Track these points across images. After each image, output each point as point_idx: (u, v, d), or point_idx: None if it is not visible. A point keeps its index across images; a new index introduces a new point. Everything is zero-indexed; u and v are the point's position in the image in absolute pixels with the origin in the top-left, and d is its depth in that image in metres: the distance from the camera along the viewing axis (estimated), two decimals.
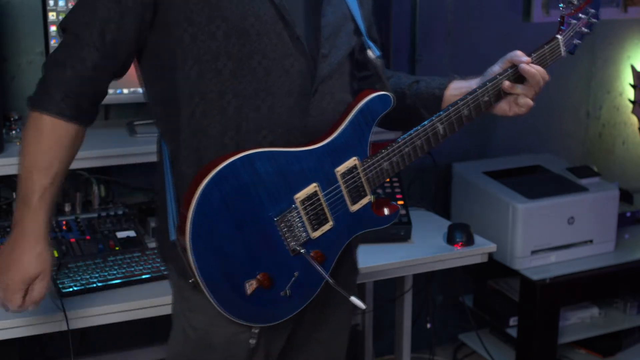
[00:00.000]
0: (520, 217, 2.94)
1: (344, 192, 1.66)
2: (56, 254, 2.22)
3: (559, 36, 1.78)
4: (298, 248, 1.63)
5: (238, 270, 1.60)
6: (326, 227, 1.65)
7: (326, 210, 1.64)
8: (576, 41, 1.80)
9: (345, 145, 1.65)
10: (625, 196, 3.48)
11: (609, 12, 3.47)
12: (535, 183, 3.13)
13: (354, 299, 1.64)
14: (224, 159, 1.54)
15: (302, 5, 1.63)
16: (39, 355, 2.73)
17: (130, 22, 1.55)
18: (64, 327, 1.95)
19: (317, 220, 1.64)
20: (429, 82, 1.83)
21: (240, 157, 1.55)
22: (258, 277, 1.61)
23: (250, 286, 1.61)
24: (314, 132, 1.63)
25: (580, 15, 1.80)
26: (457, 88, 1.78)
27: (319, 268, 1.64)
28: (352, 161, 1.65)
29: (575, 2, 1.80)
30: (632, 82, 3.25)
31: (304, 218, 1.62)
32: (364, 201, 1.68)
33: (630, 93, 3.40)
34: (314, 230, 1.64)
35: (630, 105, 3.31)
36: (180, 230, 1.56)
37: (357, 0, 1.72)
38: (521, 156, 3.40)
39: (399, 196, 2.54)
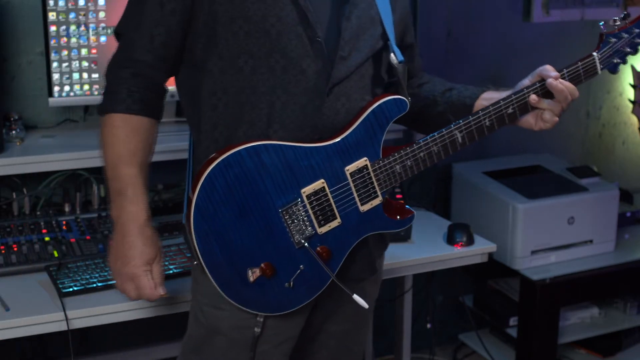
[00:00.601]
0: (520, 217, 2.94)
1: (353, 191, 1.68)
2: (56, 254, 2.22)
3: (594, 53, 1.77)
4: (303, 241, 1.66)
5: (241, 257, 1.66)
6: (334, 223, 1.68)
7: (334, 207, 1.68)
8: (617, 60, 1.77)
9: (357, 145, 1.67)
10: (625, 196, 3.48)
11: (608, 12, 3.47)
12: (535, 183, 3.13)
13: (356, 297, 1.67)
14: (231, 147, 1.62)
15: (328, 7, 1.67)
16: (39, 355, 2.73)
17: (175, 23, 1.64)
18: (64, 327, 1.95)
19: (324, 216, 1.67)
20: (461, 91, 1.84)
21: (246, 147, 1.61)
22: (262, 265, 1.66)
23: (254, 274, 1.66)
24: (326, 131, 1.67)
25: (623, 34, 1.76)
26: (488, 99, 1.79)
27: (320, 262, 1.67)
28: (363, 161, 1.68)
29: (619, 22, 1.77)
30: (632, 82, 3.25)
31: (310, 212, 1.66)
32: (375, 202, 1.70)
33: (630, 93, 3.41)
34: (321, 225, 1.67)
35: (630, 105, 3.30)
36: (187, 213, 1.64)
37: (390, 5, 1.75)
38: (521, 156, 3.41)
39: (399, 196, 2.54)
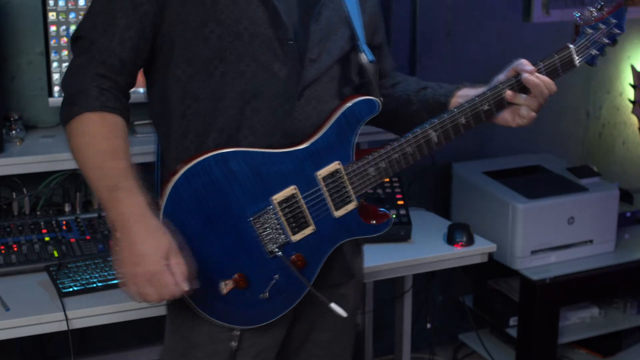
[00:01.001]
0: (520, 217, 2.94)
1: (326, 196, 1.63)
2: (56, 254, 2.22)
3: (571, 45, 1.70)
4: (275, 250, 1.62)
5: (212, 268, 1.60)
6: (307, 230, 1.63)
7: (307, 213, 1.63)
8: (594, 52, 1.71)
9: (327, 149, 1.63)
10: (625, 196, 3.48)
11: None
12: (535, 183, 3.13)
13: (334, 306, 1.64)
14: (197, 156, 1.57)
15: (295, 9, 1.62)
16: (39, 355, 2.73)
17: (147, 26, 1.57)
18: (64, 327, 1.95)
19: (297, 223, 1.62)
20: (436, 89, 1.79)
21: (214, 155, 1.57)
22: (234, 277, 1.61)
23: (226, 286, 1.61)
24: (298, 136, 1.63)
25: (600, 25, 1.70)
26: (464, 96, 1.73)
27: (294, 270, 1.62)
28: (335, 165, 1.63)
29: (595, 13, 1.71)
30: (632, 82, 3.25)
31: (283, 220, 1.61)
32: (350, 207, 1.65)
33: (630, 93, 3.41)
34: (294, 233, 1.62)
35: (630, 105, 3.30)
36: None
37: (359, 5, 1.71)
38: (521, 156, 3.40)
39: (398, 196, 2.54)
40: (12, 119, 2.48)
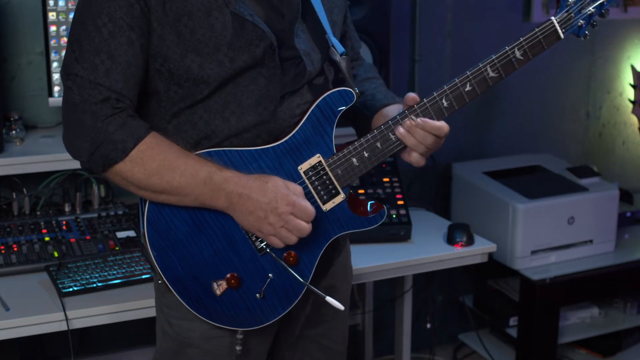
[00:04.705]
0: (520, 217, 2.94)
1: (311, 190, 1.62)
2: (56, 254, 2.22)
3: (552, 17, 1.63)
4: (264, 247, 1.61)
5: (204, 270, 1.60)
6: None
7: None
8: (581, 22, 1.65)
9: (306, 143, 1.62)
10: (625, 196, 3.48)
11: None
12: (535, 183, 3.13)
13: (329, 299, 1.62)
14: None
15: (262, 11, 1.60)
16: (39, 355, 2.74)
17: (143, 60, 1.55)
18: (64, 327, 1.95)
19: None
20: (367, 99, 1.77)
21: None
22: (227, 276, 1.61)
23: (220, 287, 1.61)
24: (283, 135, 1.62)
25: None
26: (384, 116, 1.70)
27: (285, 265, 1.61)
28: (316, 158, 1.62)
29: None
30: (632, 82, 3.25)
31: None
32: (337, 200, 1.64)
33: (630, 93, 3.41)
34: None
35: (630, 105, 3.31)
36: (142, 230, 1.59)
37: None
38: (521, 156, 3.40)
39: (399, 196, 2.54)
40: (12, 119, 2.48)
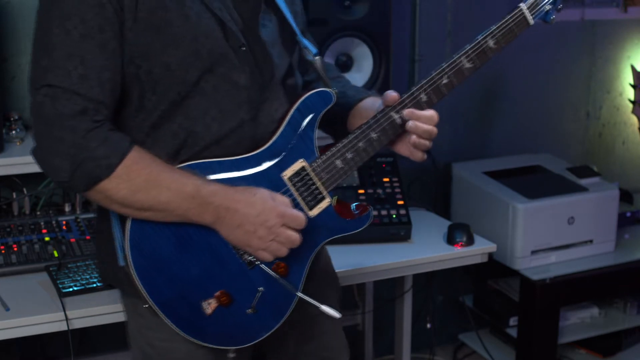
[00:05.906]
0: (520, 217, 2.94)
1: (297, 196, 1.58)
2: (56, 254, 2.22)
3: (521, 5, 1.66)
4: (252, 259, 1.56)
5: (192, 289, 1.55)
6: None
7: None
8: (548, 6, 1.69)
9: (288, 148, 1.57)
10: (625, 196, 3.48)
11: (609, 12, 3.47)
12: (535, 183, 3.13)
13: (325, 308, 1.59)
14: None
15: (237, 15, 1.57)
16: (39, 355, 2.73)
17: (118, 64, 1.48)
18: (64, 327, 1.95)
19: None
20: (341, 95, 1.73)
21: None
22: (216, 294, 1.56)
23: (209, 305, 1.56)
24: (265, 141, 1.58)
25: None
26: (365, 115, 1.66)
27: (274, 275, 1.57)
28: (299, 163, 1.58)
29: None
30: (632, 82, 3.25)
31: None
32: (323, 204, 1.60)
33: (630, 93, 3.41)
34: None
35: (630, 105, 3.31)
36: (124, 253, 1.52)
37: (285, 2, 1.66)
38: (521, 156, 3.40)
39: (398, 196, 2.54)
40: (12, 119, 2.48)
